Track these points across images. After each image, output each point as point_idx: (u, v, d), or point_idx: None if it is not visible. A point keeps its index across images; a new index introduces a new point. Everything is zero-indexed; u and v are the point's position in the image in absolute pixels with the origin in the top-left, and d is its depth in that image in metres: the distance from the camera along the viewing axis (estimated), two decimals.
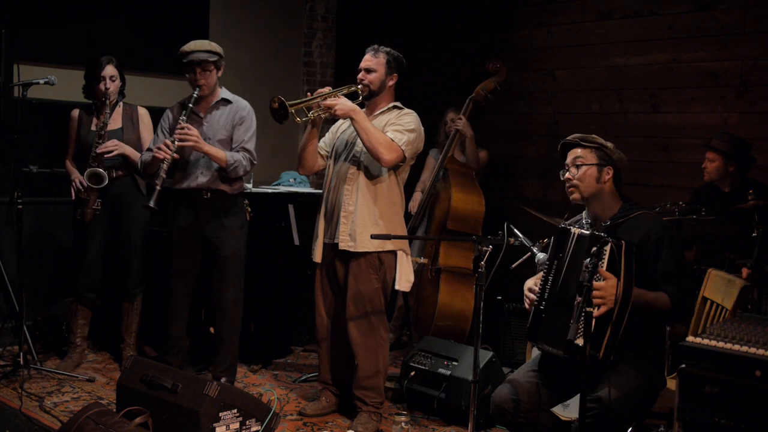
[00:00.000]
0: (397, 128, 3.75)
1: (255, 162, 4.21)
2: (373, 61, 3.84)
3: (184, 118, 4.04)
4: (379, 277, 3.84)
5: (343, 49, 6.96)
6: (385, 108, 3.89)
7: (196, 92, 4.09)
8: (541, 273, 3.08)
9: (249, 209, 4.39)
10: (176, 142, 3.98)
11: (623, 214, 3.02)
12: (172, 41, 5.53)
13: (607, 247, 2.78)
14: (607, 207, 3.06)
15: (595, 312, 2.73)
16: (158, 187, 3.96)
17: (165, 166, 3.98)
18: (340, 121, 4.00)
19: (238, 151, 4.14)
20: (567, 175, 3.08)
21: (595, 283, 2.75)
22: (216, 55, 4.12)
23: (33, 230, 5.02)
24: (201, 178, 4.14)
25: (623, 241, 2.80)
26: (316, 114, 3.75)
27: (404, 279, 3.90)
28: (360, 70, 3.87)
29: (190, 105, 4.08)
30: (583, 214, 3.19)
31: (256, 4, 6.63)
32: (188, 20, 6.01)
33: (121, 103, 4.59)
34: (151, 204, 3.95)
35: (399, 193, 3.90)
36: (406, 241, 3.98)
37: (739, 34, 4.73)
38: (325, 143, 4.01)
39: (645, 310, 2.88)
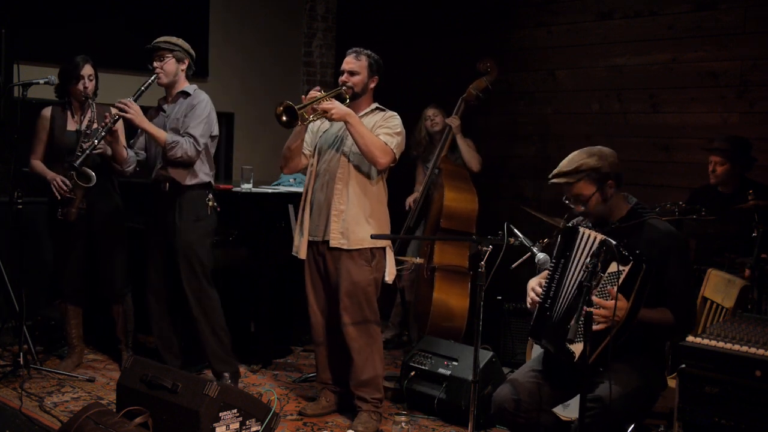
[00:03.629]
0: (386, 131, 3.82)
1: (199, 149, 4.16)
2: (356, 64, 3.88)
3: (133, 96, 4.11)
4: (372, 269, 3.88)
5: (343, 49, 6.87)
6: (368, 110, 3.93)
7: (152, 78, 4.19)
8: (546, 272, 3.07)
9: (213, 203, 4.31)
10: (116, 114, 4.06)
11: (632, 218, 3.00)
12: None
13: (627, 267, 2.76)
14: (613, 210, 3.03)
15: (594, 327, 2.72)
16: (87, 152, 4.09)
17: (102, 132, 4.07)
18: (320, 121, 4.01)
19: (182, 136, 4.15)
20: (575, 209, 3.03)
21: (601, 301, 2.75)
22: (173, 45, 4.22)
23: (33, 230, 5.01)
24: (159, 168, 4.21)
25: (644, 265, 2.77)
26: (314, 117, 3.78)
27: (390, 272, 3.98)
28: (342, 72, 3.90)
29: (142, 88, 4.15)
30: None
31: (256, 4, 6.63)
32: (188, 20, 6.01)
33: (93, 104, 4.55)
34: (75, 164, 4.10)
35: (385, 192, 3.97)
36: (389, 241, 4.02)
37: (739, 34, 4.73)
38: (306, 143, 4.02)
39: (648, 327, 2.88)
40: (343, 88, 3.85)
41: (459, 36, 6.11)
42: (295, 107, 3.64)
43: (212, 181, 4.34)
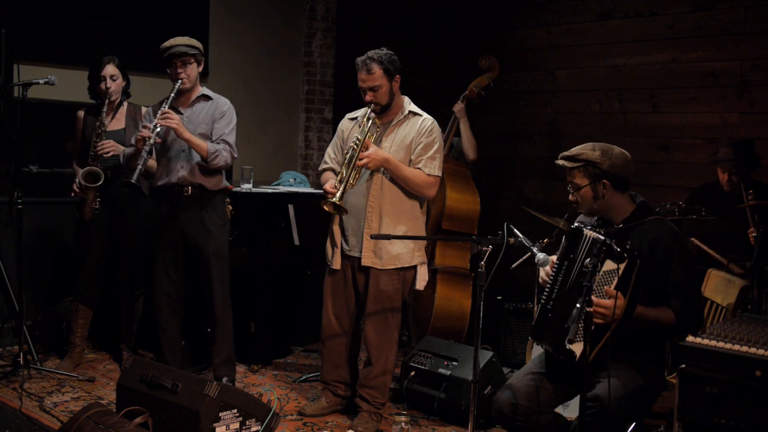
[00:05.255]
0: (429, 155, 3.77)
1: (235, 156, 4.21)
2: (372, 78, 3.73)
3: (166, 105, 4.07)
4: (400, 278, 3.86)
5: (343, 49, 6.96)
6: (402, 116, 3.85)
7: (177, 84, 4.12)
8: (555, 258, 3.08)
9: (230, 207, 4.37)
10: (158, 126, 3.99)
11: (636, 219, 3.00)
12: None
13: (623, 265, 2.76)
14: (617, 212, 3.03)
15: (594, 320, 2.73)
16: (140, 166, 3.98)
17: (147, 146, 3.99)
18: (348, 126, 3.97)
19: (218, 143, 4.15)
20: (570, 196, 3.08)
21: (600, 300, 2.76)
22: (196, 49, 4.16)
23: (33, 230, 5.02)
24: (181, 171, 4.15)
25: (638, 260, 2.77)
26: (356, 180, 3.73)
27: (421, 279, 3.95)
28: (363, 91, 3.77)
29: (172, 95, 4.11)
30: None
31: (256, 4, 6.63)
32: (188, 20, 6.01)
33: (125, 103, 4.59)
34: (133, 179, 3.96)
35: (422, 206, 3.90)
36: (424, 252, 3.97)
37: (739, 34, 4.73)
38: (334, 152, 3.98)
39: (647, 327, 2.88)
40: (371, 107, 3.77)
41: (459, 36, 6.10)
42: (338, 203, 3.63)
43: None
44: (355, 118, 3.96)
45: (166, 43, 4.12)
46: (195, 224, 4.19)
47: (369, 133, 3.74)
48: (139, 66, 5.56)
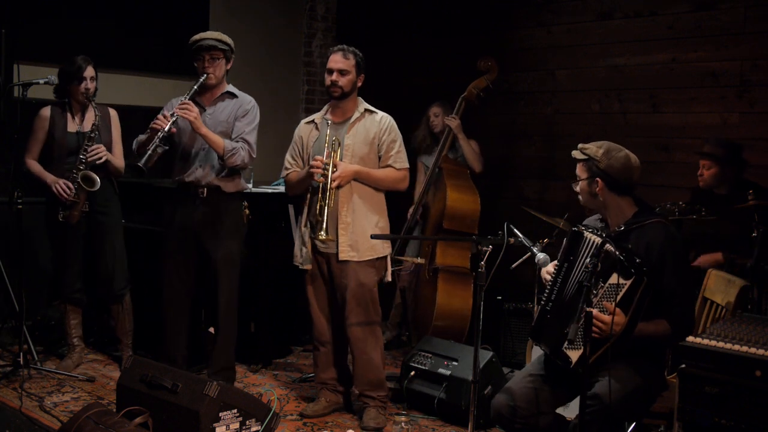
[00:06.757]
0: (395, 151, 3.88)
1: (254, 156, 4.17)
2: (345, 63, 3.87)
3: (187, 96, 4.01)
4: (376, 268, 3.93)
5: None
6: (358, 114, 3.91)
7: (202, 78, 4.06)
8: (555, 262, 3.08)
9: (247, 211, 4.34)
10: (175, 115, 3.93)
11: (636, 221, 3.00)
12: (172, 41, 5.54)
13: (629, 281, 2.76)
14: (616, 213, 3.04)
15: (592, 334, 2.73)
16: (150, 150, 3.88)
17: (161, 134, 3.91)
18: (306, 130, 4.00)
19: (237, 141, 4.11)
20: (573, 185, 3.12)
21: (601, 315, 2.76)
22: (226, 45, 4.11)
23: (33, 230, 5.01)
24: (198, 171, 4.10)
25: (645, 278, 2.77)
26: (333, 196, 3.77)
27: (389, 271, 4.03)
28: (331, 71, 3.87)
29: (195, 87, 4.05)
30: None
31: (256, 4, 6.63)
32: (188, 20, 6.00)
33: (93, 103, 4.53)
34: (141, 164, 3.86)
35: (384, 198, 3.99)
36: (390, 244, 4.05)
37: (739, 34, 4.73)
38: (293, 158, 4.01)
39: (644, 341, 2.88)
40: (331, 89, 3.86)
41: (459, 36, 6.10)
42: (326, 237, 3.73)
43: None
44: (312, 122, 4.02)
45: (196, 36, 4.07)
46: (207, 229, 4.14)
47: (333, 152, 3.78)
48: (139, 66, 5.57)
